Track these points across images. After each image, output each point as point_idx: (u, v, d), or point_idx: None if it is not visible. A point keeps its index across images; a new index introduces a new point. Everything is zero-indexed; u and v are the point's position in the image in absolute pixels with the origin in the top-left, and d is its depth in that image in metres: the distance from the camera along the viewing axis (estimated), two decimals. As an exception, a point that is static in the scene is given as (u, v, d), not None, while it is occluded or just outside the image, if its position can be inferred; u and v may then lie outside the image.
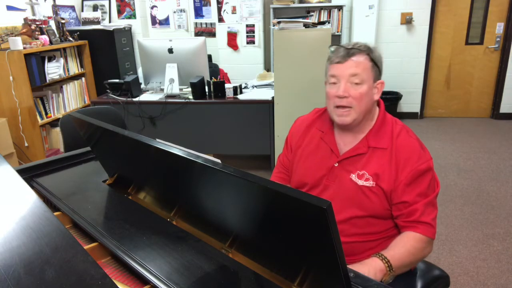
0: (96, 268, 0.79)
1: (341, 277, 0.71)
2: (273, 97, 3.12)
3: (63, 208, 1.21)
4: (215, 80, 3.19)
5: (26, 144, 3.44)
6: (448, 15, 4.83)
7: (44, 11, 3.94)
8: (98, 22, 4.70)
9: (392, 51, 4.90)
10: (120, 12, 4.85)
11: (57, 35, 3.88)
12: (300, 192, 0.68)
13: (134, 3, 4.78)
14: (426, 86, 5.11)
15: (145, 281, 0.89)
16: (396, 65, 4.97)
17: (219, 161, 0.86)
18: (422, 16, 4.78)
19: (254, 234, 0.92)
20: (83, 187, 1.37)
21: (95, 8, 4.83)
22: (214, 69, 3.94)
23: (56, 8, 4.10)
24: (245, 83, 3.58)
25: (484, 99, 5.11)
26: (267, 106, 3.16)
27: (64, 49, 3.91)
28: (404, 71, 5.00)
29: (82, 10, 4.80)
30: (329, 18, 4.68)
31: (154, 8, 4.91)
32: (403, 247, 1.14)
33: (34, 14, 3.81)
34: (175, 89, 3.22)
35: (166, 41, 3.22)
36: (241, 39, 4.65)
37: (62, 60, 3.82)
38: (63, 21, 4.05)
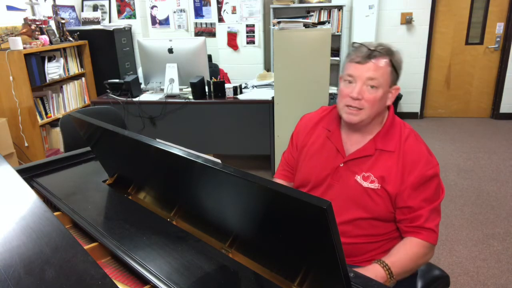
0: (96, 268, 0.79)
1: (341, 277, 0.71)
2: (273, 97, 3.12)
3: (63, 208, 1.21)
4: (215, 80, 3.19)
5: (26, 144, 3.44)
6: (448, 15, 4.83)
7: (44, 11, 3.94)
8: (98, 22, 4.70)
9: (392, 51, 4.90)
10: (120, 12, 4.85)
11: (57, 35, 3.88)
12: (300, 192, 0.68)
13: (134, 3, 4.78)
14: (426, 86, 5.11)
15: (145, 281, 0.89)
16: (396, 65, 4.96)
17: (219, 161, 0.86)
18: (422, 16, 4.78)
19: (254, 234, 0.92)
20: (83, 187, 1.37)
21: (95, 8, 4.83)
22: (214, 69, 3.94)
23: (56, 8, 4.10)
24: (245, 83, 3.58)
25: (484, 99, 5.11)
26: (267, 106, 3.16)
27: (64, 49, 3.91)
28: (404, 71, 4.88)
29: (82, 10, 4.80)
30: (329, 18, 4.68)
31: (154, 8, 4.91)
32: (405, 253, 1.13)
33: (34, 14, 3.81)
34: (175, 89, 3.22)
35: (166, 41, 3.22)
36: (241, 39, 4.65)
37: (62, 60, 3.82)
38: (63, 21, 4.05)
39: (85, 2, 4.82)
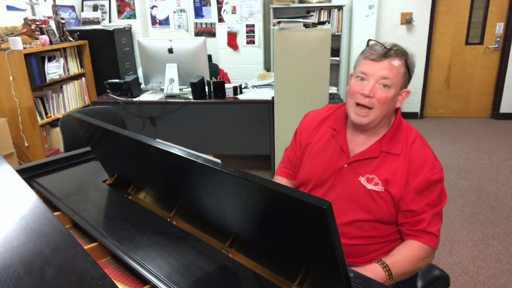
0: (96, 268, 0.79)
1: (341, 277, 0.71)
2: (273, 97, 3.12)
3: (63, 208, 1.21)
4: (215, 80, 3.19)
5: (26, 144, 3.44)
6: (448, 15, 4.83)
7: (44, 11, 3.94)
8: (98, 22, 4.70)
9: (392, 51, 4.90)
10: (120, 12, 4.85)
11: (57, 35, 3.88)
12: (300, 192, 0.68)
13: (134, 3, 4.78)
14: (426, 86, 5.11)
15: (145, 281, 0.89)
16: (396, 65, 4.96)
17: (219, 161, 0.86)
18: (422, 16, 4.78)
19: (254, 234, 0.92)
20: (83, 187, 1.37)
21: (95, 8, 4.83)
22: (214, 69, 3.94)
23: (56, 8, 4.10)
24: (245, 83, 3.58)
25: (484, 99, 5.11)
26: (267, 106, 3.16)
27: (64, 49, 3.91)
28: (404, 71, 4.99)
29: (82, 10, 4.80)
30: (329, 18, 4.68)
31: (154, 8, 4.91)
32: (406, 256, 1.13)
33: (34, 14, 3.81)
34: (175, 89, 3.22)
35: (166, 41, 3.22)
36: (241, 39, 4.65)
37: (62, 60, 3.82)
38: (63, 21, 4.05)
39: (85, 2, 4.82)
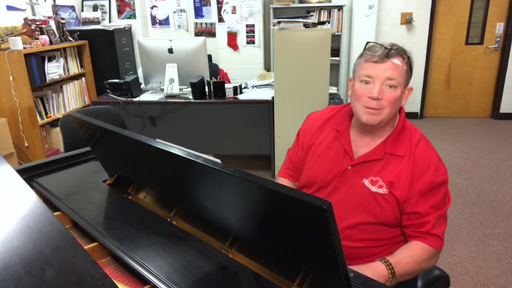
0: (96, 268, 0.79)
1: (341, 277, 0.71)
2: (273, 97, 3.12)
3: (63, 208, 1.21)
4: (215, 80, 3.19)
5: (26, 144, 3.44)
6: (448, 15, 4.83)
7: (44, 11, 3.94)
8: (98, 22, 4.70)
9: (392, 51, 4.90)
10: (120, 12, 4.85)
11: (57, 35, 3.88)
12: (300, 192, 0.68)
13: (134, 3, 4.78)
14: (426, 86, 5.11)
15: (145, 281, 0.89)
16: (396, 65, 4.96)
17: (219, 161, 0.86)
18: (422, 16, 4.78)
19: (254, 234, 0.92)
20: (83, 187, 1.37)
21: (95, 8, 4.83)
22: (214, 69, 3.94)
23: (56, 8, 4.10)
24: (245, 83, 3.58)
25: (484, 99, 5.11)
26: (267, 106, 3.16)
27: (64, 49, 3.91)
28: (404, 71, 4.99)
29: (82, 10, 4.80)
30: (329, 18, 4.68)
31: (154, 8, 4.91)
32: (409, 256, 1.12)
33: (34, 14, 3.81)
34: (175, 89, 3.22)
35: (166, 41, 3.22)
36: (241, 39, 4.65)
37: (62, 60, 3.82)
38: (63, 21, 4.05)
39: (85, 2, 4.82)
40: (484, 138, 4.38)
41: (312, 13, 4.69)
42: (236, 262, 0.93)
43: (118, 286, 0.77)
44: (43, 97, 3.59)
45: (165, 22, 4.96)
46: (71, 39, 4.10)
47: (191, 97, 3.19)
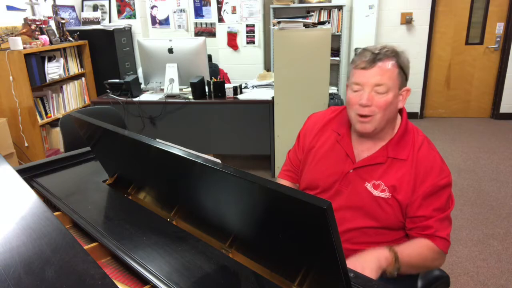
0: (96, 268, 0.79)
1: (341, 277, 0.71)
2: (273, 97, 3.12)
3: (63, 208, 1.21)
4: (215, 80, 3.19)
5: (26, 144, 3.44)
6: (448, 15, 4.83)
7: (44, 11, 3.94)
8: (98, 22, 4.70)
9: (392, 51, 4.90)
10: (120, 12, 4.85)
11: (57, 35, 3.88)
12: (300, 192, 0.68)
13: (134, 3, 4.78)
14: (426, 86, 5.11)
15: (145, 281, 0.89)
16: (396, 65, 4.96)
17: (219, 161, 0.86)
18: (422, 16, 4.78)
19: (254, 234, 0.92)
20: (83, 187, 1.37)
21: (95, 8, 4.83)
22: (214, 69, 3.95)
23: (56, 8, 4.10)
24: (245, 83, 3.58)
25: (484, 99, 5.11)
26: (267, 106, 3.16)
27: (64, 49, 3.91)
28: (404, 71, 4.99)
29: (82, 10, 4.80)
30: (329, 18, 4.68)
31: (154, 8, 4.91)
32: (415, 249, 1.11)
33: (34, 14, 3.81)
34: (175, 89, 3.22)
35: (166, 41, 3.22)
36: (241, 39, 4.65)
37: (62, 60, 3.82)
38: (63, 21, 4.05)
39: (85, 2, 4.82)
40: (484, 138, 4.38)
41: (312, 13, 4.69)
42: (236, 262, 0.93)
43: (118, 286, 0.77)
44: (43, 97, 3.59)
45: (165, 22, 4.96)
46: (71, 39, 4.10)
47: (191, 97, 3.19)
